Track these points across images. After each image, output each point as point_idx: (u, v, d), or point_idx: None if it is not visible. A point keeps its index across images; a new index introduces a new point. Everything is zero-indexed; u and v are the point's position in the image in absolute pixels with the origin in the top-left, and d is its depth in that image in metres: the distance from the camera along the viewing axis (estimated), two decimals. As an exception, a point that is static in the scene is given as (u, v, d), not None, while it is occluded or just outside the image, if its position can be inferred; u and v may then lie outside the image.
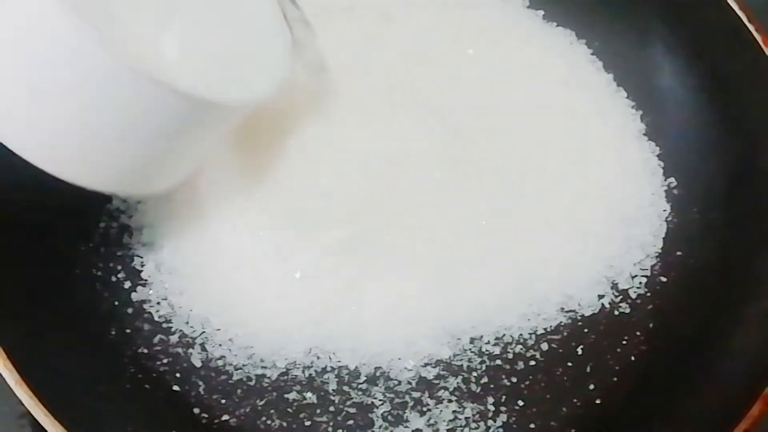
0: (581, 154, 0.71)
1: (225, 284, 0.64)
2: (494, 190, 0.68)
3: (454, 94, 0.72)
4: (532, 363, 0.64)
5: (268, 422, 0.61)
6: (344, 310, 0.63)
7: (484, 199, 0.68)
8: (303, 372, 0.62)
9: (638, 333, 0.66)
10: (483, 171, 0.69)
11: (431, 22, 0.76)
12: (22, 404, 0.52)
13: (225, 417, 0.61)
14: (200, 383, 0.62)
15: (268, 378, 0.62)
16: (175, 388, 0.61)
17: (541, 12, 0.78)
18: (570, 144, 0.71)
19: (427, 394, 0.62)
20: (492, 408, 0.63)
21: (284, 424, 0.61)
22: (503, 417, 0.62)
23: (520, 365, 0.64)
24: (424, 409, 0.62)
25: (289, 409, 0.61)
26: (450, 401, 0.62)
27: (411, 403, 0.62)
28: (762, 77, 0.68)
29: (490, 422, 0.62)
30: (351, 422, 0.61)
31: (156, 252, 0.65)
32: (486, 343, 0.64)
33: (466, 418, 0.62)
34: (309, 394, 0.62)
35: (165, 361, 0.62)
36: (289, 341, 0.63)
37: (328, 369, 0.62)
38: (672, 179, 0.72)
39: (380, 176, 0.67)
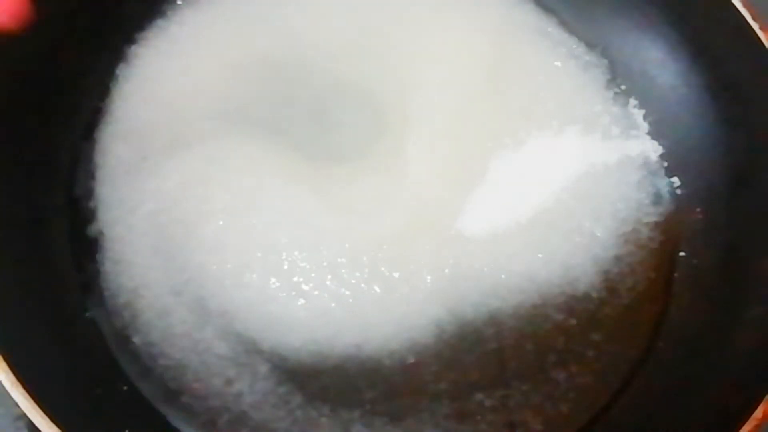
0: (582, 154, 0.71)
1: (225, 287, 0.63)
2: (495, 190, 0.68)
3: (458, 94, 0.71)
4: (533, 364, 0.64)
5: (266, 420, 0.60)
6: (344, 313, 0.63)
7: (484, 199, 0.68)
8: (303, 370, 0.62)
9: (639, 333, 0.66)
10: (483, 172, 0.68)
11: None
12: (19, 406, 0.52)
13: (224, 416, 0.61)
14: (197, 385, 0.61)
15: (267, 377, 0.62)
16: (172, 389, 0.61)
17: (541, 11, 0.77)
18: (571, 144, 0.71)
19: (424, 392, 0.62)
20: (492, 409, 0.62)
21: (284, 421, 0.61)
22: (504, 418, 0.62)
23: (521, 366, 0.64)
24: (421, 406, 0.62)
25: (290, 407, 0.61)
26: (446, 399, 0.62)
27: (409, 401, 0.62)
28: (766, 75, 0.67)
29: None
30: (352, 419, 0.61)
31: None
32: (486, 344, 0.64)
33: (466, 417, 0.62)
34: (309, 392, 0.61)
35: (161, 363, 0.62)
36: (289, 341, 0.62)
37: (328, 367, 0.62)
38: (675, 179, 0.71)
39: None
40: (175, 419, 0.60)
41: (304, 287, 0.63)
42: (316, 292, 0.63)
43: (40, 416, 0.52)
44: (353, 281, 0.63)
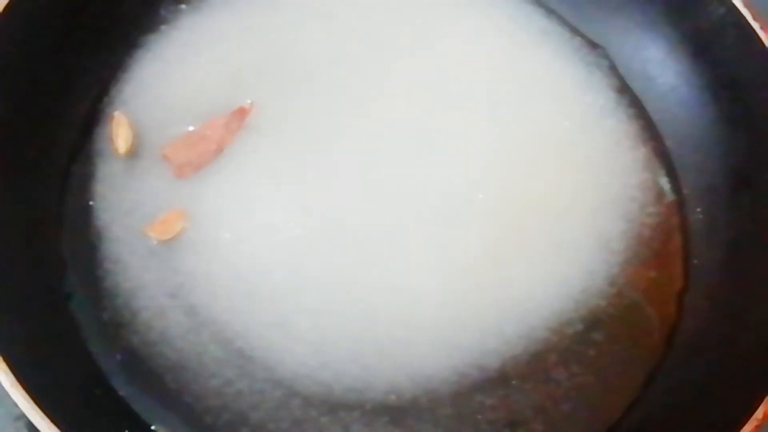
0: (583, 155, 0.71)
1: (216, 296, 0.63)
2: (495, 189, 0.68)
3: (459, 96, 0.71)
4: (534, 363, 0.64)
5: (266, 420, 0.60)
6: (345, 341, 0.62)
7: (485, 198, 0.68)
8: (304, 381, 0.61)
9: (639, 332, 0.66)
10: (483, 173, 0.69)
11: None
12: (18, 407, 0.52)
13: (224, 416, 0.60)
14: (196, 385, 0.61)
15: (266, 378, 0.61)
16: (172, 389, 0.61)
17: (542, 11, 0.77)
18: (571, 145, 0.71)
19: (424, 392, 0.62)
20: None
21: (284, 421, 0.60)
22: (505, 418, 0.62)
23: (521, 366, 0.63)
24: (421, 406, 0.61)
25: (289, 406, 0.61)
26: (446, 399, 0.62)
27: (409, 401, 0.61)
28: (766, 75, 0.67)
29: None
30: (353, 419, 0.61)
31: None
32: (488, 355, 0.64)
33: (466, 417, 0.62)
34: (308, 392, 0.61)
35: (160, 363, 0.61)
36: (291, 354, 0.62)
37: (333, 384, 0.62)
38: (675, 179, 0.71)
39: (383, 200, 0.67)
40: (174, 419, 0.60)
41: (300, 324, 0.62)
42: (311, 329, 0.62)
43: (39, 416, 0.51)
44: (352, 321, 0.62)
